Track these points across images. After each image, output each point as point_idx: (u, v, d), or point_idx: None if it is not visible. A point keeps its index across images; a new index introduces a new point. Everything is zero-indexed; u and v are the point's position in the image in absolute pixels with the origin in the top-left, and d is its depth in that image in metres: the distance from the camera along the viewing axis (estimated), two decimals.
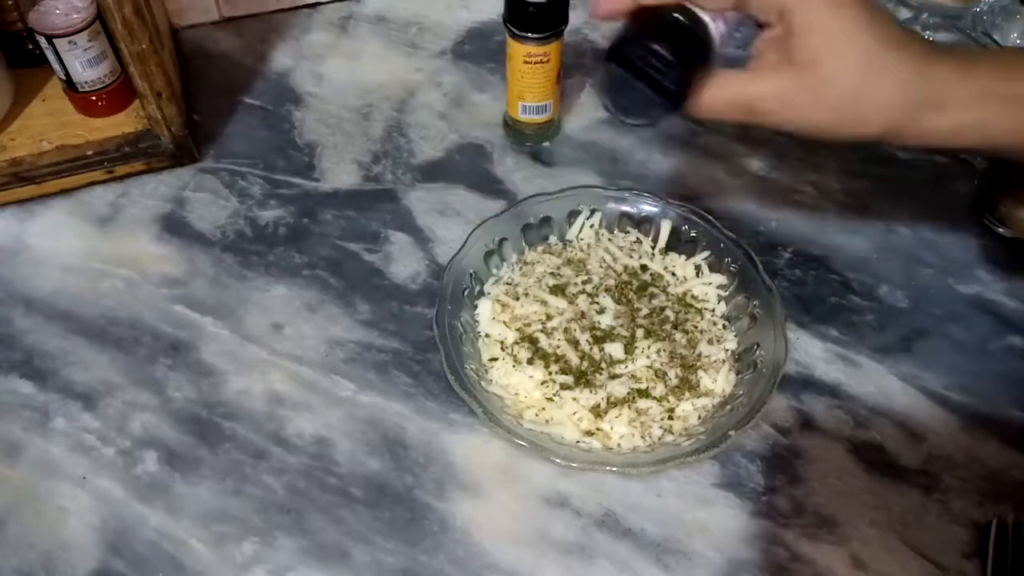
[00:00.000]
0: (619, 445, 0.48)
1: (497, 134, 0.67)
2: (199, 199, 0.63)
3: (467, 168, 0.65)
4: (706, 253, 0.56)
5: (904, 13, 0.76)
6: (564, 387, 0.50)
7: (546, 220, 0.58)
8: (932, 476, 0.49)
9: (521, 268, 0.56)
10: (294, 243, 0.60)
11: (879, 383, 0.53)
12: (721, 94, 0.42)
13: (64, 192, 0.63)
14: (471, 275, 0.55)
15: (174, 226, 0.61)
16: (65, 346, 0.55)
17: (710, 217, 0.56)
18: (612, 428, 0.48)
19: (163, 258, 0.60)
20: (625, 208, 0.58)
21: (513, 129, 0.66)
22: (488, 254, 0.56)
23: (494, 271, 0.56)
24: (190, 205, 0.63)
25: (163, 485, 0.49)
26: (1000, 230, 0.59)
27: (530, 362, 0.51)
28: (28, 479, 0.50)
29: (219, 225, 0.62)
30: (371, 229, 0.61)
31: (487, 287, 0.55)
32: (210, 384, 0.54)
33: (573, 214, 0.58)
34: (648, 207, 0.58)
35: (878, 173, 0.63)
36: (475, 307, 0.54)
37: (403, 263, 0.59)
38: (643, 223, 0.58)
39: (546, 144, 0.67)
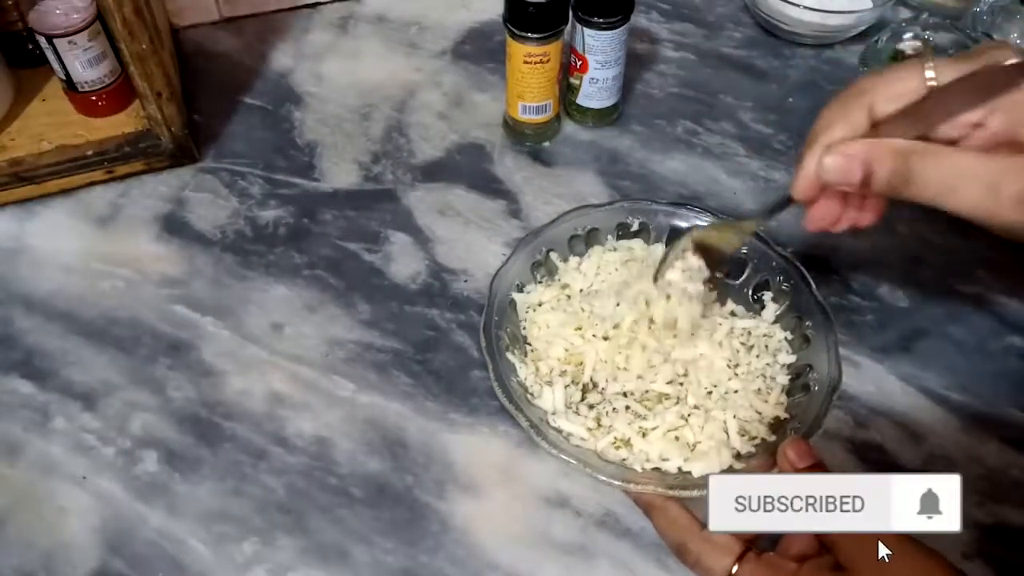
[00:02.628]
0: (660, 463, 0.46)
1: (497, 134, 0.67)
2: (199, 199, 0.63)
3: (467, 168, 0.65)
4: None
5: (904, 13, 0.76)
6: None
7: (593, 232, 0.56)
8: None
9: (569, 281, 0.55)
10: (294, 243, 0.60)
11: (879, 383, 0.53)
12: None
13: (64, 192, 0.63)
14: (517, 286, 0.53)
15: (174, 226, 0.62)
16: (65, 346, 0.55)
17: (760, 234, 0.54)
18: (653, 448, 0.47)
19: (163, 258, 0.60)
20: (676, 222, 0.56)
21: (513, 129, 0.66)
22: (535, 265, 0.54)
23: (540, 280, 0.55)
24: (190, 205, 0.63)
25: (163, 485, 0.49)
26: None
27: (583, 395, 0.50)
28: (28, 479, 0.50)
29: (219, 225, 0.62)
30: (371, 229, 0.61)
31: (539, 300, 0.54)
32: (210, 384, 0.53)
33: (622, 226, 0.56)
34: (700, 222, 0.55)
35: None
36: (523, 320, 0.53)
37: (403, 263, 0.59)
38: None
39: (546, 144, 0.67)
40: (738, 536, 0.42)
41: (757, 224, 0.49)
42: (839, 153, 0.39)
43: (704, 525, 0.42)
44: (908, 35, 0.68)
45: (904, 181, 0.38)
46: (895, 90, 0.40)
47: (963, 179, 0.38)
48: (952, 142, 0.40)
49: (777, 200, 0.45)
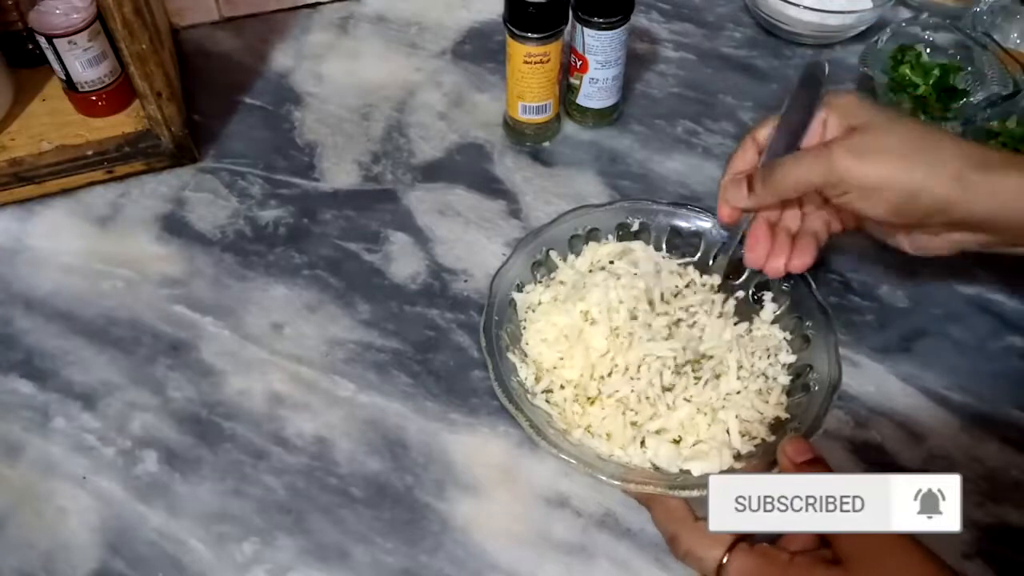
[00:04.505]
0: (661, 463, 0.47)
1: (497, 134, 0.67)
2: (199, 199, 0.63)
3: (467, 168, 0.65)
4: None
5: (904, 13, 0.76)
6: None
7: (593, 231, 0.56)
8: None
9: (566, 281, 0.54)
10: (294, 243, 0.61)
11: (879, 383, 0.53)
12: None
13: (64, 192, 0.63)
14: (517, 286, 0.53)
15: (174, 226, 0.62)
16: (65, 346, 0.55)
17: None
18: (658, 449, 0.47)
19: (163, 258, 0.60)
20: (676, 222, 0.56)
21: (513, 129, 0.66)
22: (535, 264, 0.54)
23: (540, 280, 0.54)
24: (190, 205, 0.63)
25: (163, 485, 0.49)
26: None
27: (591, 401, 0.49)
28: (28, 479, 0.50)
29: (219, 225, 0.62)
30: (371, 229, 0.61)
31: (539, 299, 0.53)
32: (210, 384, 0.53)
33: (622, 226, 0.56)
34: (700, 222, 0.55)
35: None
36: (522, 320, 0.52)
37: (403, 263, 0.60)
38: (692, 237, 0.56)
39: (546, 144, 0.67)
40: None
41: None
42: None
43: (700, 518, 0.43)
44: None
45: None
46: (767, 120, 0.51)
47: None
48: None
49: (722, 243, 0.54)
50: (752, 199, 0.49)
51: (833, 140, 0.46)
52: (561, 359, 0.50)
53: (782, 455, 0.43)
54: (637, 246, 0.56)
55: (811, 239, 0.50)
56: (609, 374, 0.50)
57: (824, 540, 0.40)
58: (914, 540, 0.38)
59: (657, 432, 0.48)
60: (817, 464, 0.43)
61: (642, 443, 0.47)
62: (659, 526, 0.44)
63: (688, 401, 0.49)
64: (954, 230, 0.46)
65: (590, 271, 0.54)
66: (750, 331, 0.53)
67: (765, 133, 0.50)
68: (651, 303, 0.52)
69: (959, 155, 0.44)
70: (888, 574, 0.37)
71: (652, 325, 0.51)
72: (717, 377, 0.50)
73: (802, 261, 0.49)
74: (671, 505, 0.44)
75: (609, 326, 0.50)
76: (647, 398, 0.48)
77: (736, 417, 0.48)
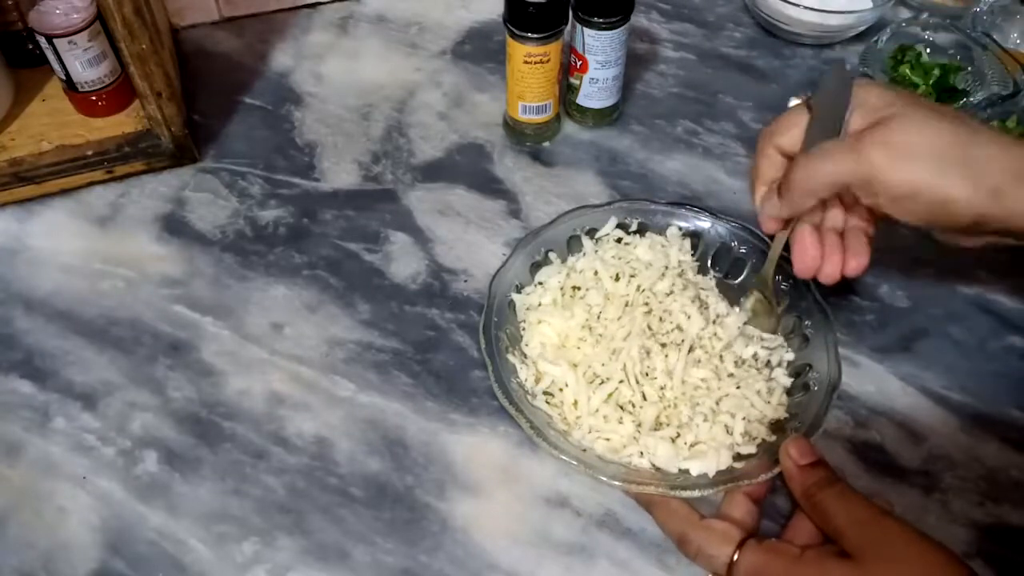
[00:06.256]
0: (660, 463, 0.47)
1: (497, 134, 0.67)
2: (199, 199, 0.63)
3: (467, 168, 0.65)
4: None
5: (904, 13, 0.76)
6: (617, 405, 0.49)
7: (593, 232, 0.56)
8: (932, 476, 0.49)
9: (570, 276, 0.55)
10: (294, 243, 0.61)
11: (879, 383, 0.53)
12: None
13: (64, 192, 0.63)
14: (516, 286, 0.54)
15: (174, 226, 0.62)
16: (65, 346, 0.55)
17: (760, 233, 0.53)
18: (657, 448, 0.46)
19: (163, 258, 0.60)
20: (675, 222, 0.56)
21: (513, 129, 0.66)
22: (534, 266, 0.55)
23: (540, 280, 0.55)
24: (190, 205, 0.63)
25: (163, 485, 0.49)
26: None
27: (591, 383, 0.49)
28: (28, 479, 0.50)
29: (219, 225, 0.62)
30: (371, 229, 0.61)
31: (538, 301, 0.53)
32: (210, 384, 0.53)
33: (621, 227, 0.56)
34: (699, 222, 0.56)
35: None
36: (521, 321, 0.53)
37: (403, 263, 0.60)
38: (690, 237, 0.56)
39: (546, 144, 0.67)
40: (738, 524, 0.42)
41: (765, 282, 0.52)
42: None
43: (704, 517, 0.43)
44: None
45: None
46: (787, 123, 0.47)
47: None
48: None
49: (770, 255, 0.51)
50: (784, 204, 0.45)
51: (864, 132, 0.42)
52: (552, 362, 0.50)
53: (785, 456, 0.43)
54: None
55: (861, 235, 0.46)
56: (602, 365, 0.50)
57: (827, 537, 0.40)
58: (921, 532, 0.38)
59: (657, 427, 0.47)
60: (820, 467, 0.43)
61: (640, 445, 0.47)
62: (664, 528, 0.44)
63: (682, 384, 0.48)
64: (990, 235, 0.43)
65: (592, 271, 0.55)
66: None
67: (789, 139, 0.46)
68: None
69: (999, 165, 0.40)
70: (901, 566, 0.37)
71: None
72: (717, 377, 0.50)
73: (858, 262, 0.46)
74: (673, 506, 0.44)
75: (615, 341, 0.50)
76: (637, 383, 0.49)
77: (744, 419, 0.47)
